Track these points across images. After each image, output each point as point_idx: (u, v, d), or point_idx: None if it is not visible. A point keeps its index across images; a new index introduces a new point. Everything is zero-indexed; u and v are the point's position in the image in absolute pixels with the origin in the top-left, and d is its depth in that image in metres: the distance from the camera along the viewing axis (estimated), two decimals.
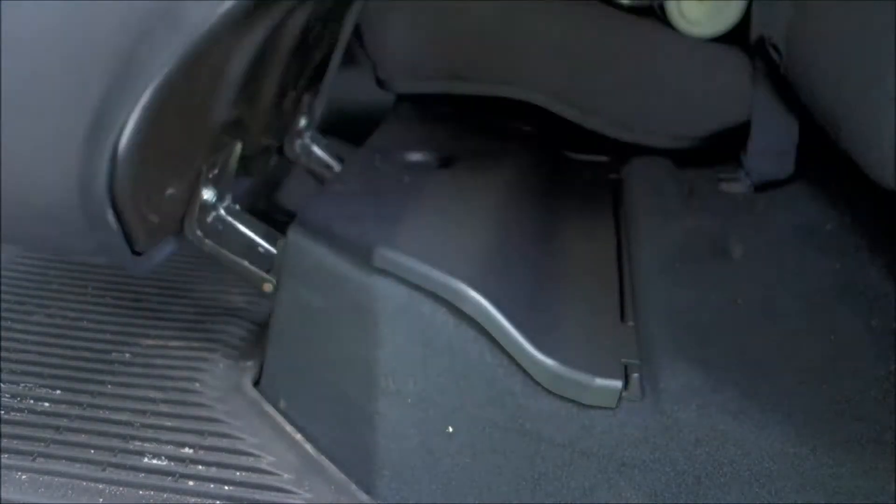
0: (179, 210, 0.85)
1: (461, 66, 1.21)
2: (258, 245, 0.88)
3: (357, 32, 1.32)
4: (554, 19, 1.15)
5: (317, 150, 1.15)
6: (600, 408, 0.62)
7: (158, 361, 0.89)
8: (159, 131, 0.70)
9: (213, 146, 0.84)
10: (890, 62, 0.69)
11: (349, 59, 1.71)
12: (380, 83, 1.28)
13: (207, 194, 0.87)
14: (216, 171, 0.87)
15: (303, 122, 1.14)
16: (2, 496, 0.70)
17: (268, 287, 0.81)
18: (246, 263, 0.85)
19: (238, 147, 0.90)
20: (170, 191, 0.80)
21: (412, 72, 1.24)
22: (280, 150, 1.15)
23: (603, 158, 1.16)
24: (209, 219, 0.88)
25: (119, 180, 0.68)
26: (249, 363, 0.89)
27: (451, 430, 0.67)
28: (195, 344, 0.92)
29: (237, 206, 0.92)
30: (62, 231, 0.72)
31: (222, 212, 0.90)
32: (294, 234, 0.78)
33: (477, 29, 1.19)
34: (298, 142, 1.15)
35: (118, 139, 0.66)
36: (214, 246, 0.86)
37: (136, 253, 0.80)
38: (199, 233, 0.85)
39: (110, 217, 0.70)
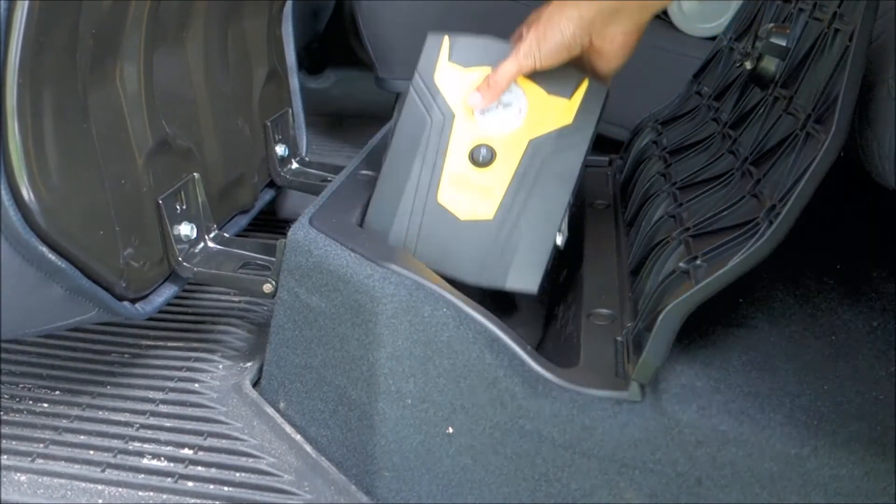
0: (159, 250, 0.83)
1: None
2: (256, 259, 0.87)
3: (357, 32, 1.32)
4: None
5: (306, 178, 1.14)
6: (601, 409, 0.62)
7: (158, 362, 0.89)
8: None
9: (156, 174, 0.82)
10: (890, 62, 0.69)
11: (349, 59, 1.71)
12: (380, 83, 1.28)
13: (185, 229, 0.86)
14: (185, 206, 0.86)
15: (281, 150, 1.12)
16: (1, 497, 0.70)
17: (268, 287, 0.81)
18: (242, 276, 0.85)
19: (196, 177, 0.88)
20: (131, 232, 0.78)
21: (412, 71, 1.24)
22: (272, 183, 1.13)
23: (603, 158, 1.16)
24: (195, 250, 0.88)
25: (35, 212, 0.65)
26: (249, 364, 0.89)
27: (451, 430, 0.66)
28: (195, 345, 0.92)
29: (226, 234, 0.91)
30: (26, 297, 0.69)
31: (210, 243, 0.89)
32: (294, 235, 0.78)
33: (477, 29, 1.19)
34: (286, 170, 1.13)
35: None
36: (207, 272, 0.85)
37: (131, 300, 0.79)
38: (186, 264, 0.84)
39: (53, 257, 0.67)
